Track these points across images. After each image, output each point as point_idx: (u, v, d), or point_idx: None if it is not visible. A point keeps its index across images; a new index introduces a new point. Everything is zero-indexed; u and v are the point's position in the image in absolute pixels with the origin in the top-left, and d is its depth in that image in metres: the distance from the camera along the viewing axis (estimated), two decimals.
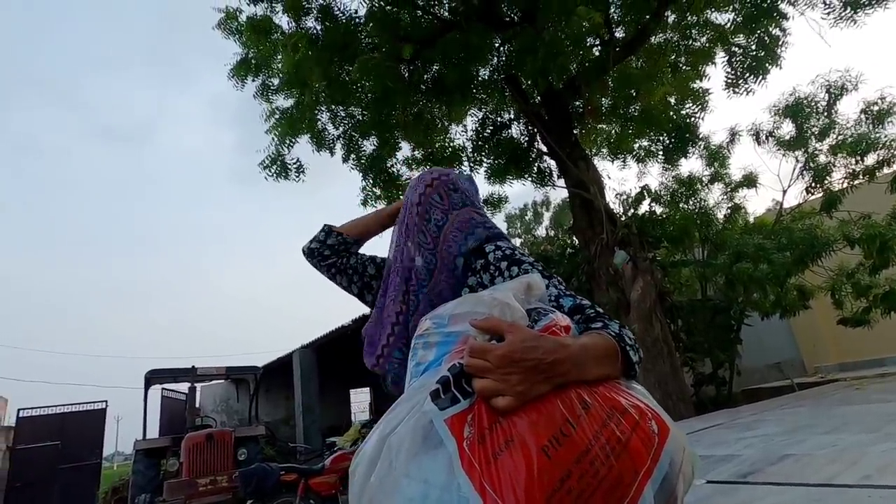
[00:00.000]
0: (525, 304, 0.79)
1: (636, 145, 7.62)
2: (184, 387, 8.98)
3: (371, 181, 6.97)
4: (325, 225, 1.23)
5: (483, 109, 7.40)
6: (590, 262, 5.96)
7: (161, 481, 6.73)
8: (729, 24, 6.01)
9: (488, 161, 7.41)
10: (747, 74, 5.75)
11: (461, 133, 7.45)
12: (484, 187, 8.17)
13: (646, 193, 6.84)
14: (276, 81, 6.72)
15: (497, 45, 6.70)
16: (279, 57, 6.36)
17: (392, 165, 7.13)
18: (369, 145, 7.02)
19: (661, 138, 7.10)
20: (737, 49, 6.02)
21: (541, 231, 27.34)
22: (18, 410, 13.11)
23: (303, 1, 5.97)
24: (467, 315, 0.74)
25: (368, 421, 9.30)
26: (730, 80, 5.86)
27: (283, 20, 6.35)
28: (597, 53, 6.28)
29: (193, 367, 8.27)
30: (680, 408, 5.01)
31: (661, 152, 7.26)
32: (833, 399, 4.02)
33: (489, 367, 0.64)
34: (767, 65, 5.72)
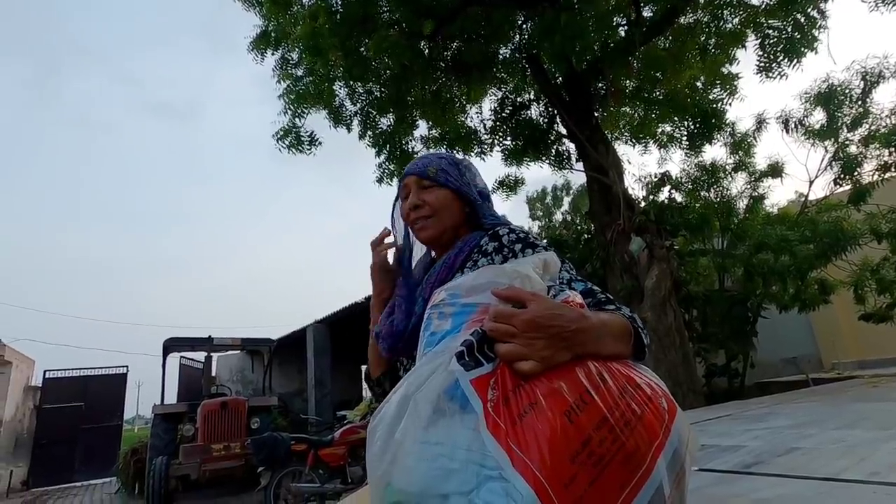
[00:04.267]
0: (543, 279, 0.80)
1: (659, 130, 7.43)
2: (201, 356, 9.22)
3: (385, 157, 6.94)
4: (366, 376, 1.18)
5: (503, 89, 7.27)
6: (605, 248, 5.88)
7: (177, 445, 6.97)
8: (763, 5, 5.76)
9: (506, 142, 7.31)
10: (781, 58, 5.52)
11: (477, 113, 7.34)
12: (500, 169, 8.09)
13: (666, 180, 6.68)
14: (294, 56, 6.68)
15: (520, 22, 6.54)
16: (298, 29, 6.31)
17: (407, 142, 7.08)
18: (386, 122, 6.97)
19: (686, 123, 6.90)
20: (770, 31, 5.77)
21: (560, 216, 27.05)
22: (45, 372, 13.65)
23: None
24: (488, 285, 0.74)
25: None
26: (762, 64, 5.63)
27: None
28: (622, 34, 6.09)
29: (210, 336, 8.47)
30: (690, 398, 4.97)
31: (684, 138, 7.06)
32: (848, 395, 3.95)
33: (514, 332, 0.65)
34: (803, 48, 5.47)
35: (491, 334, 0.66)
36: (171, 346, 8.38)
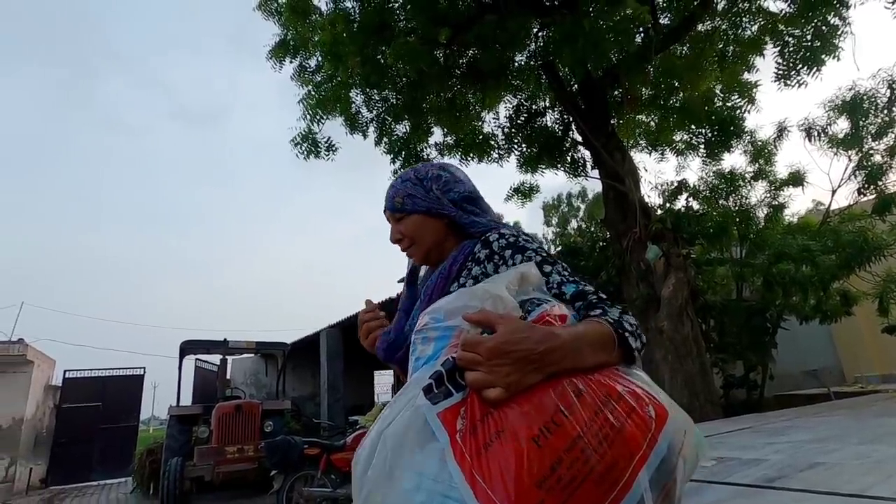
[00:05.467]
0: (519, 294, 0.82)
1: (676, 137, 7.36)
2: (216, 358, 9.32)
3: (400, 164, 6.98)
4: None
5: (518, 96, 7.28)
6: (621, 256, 5.83)
7: (192, 447, 7.04)
8: (783, 13, 5.69)
9: (520, 149, 7.31)
10: (800, 66, 5.44)
11: (493, 120, 7.36)
12: (516, 176, 8.09)
13: (683, 188, 6.61)
14: (312, 63, 6.78)
15: (535, 30, 6.55)
16: (316, 38, 6.40)
17: (422, 149, 7.12)
18: (401, 129, 7.03)
19: (704, 131, 6.83)
20: (790, 39, 5.70)
21: (576, 223, 26.93)
22: (64, 371, 13.92)
23: None
24: (462, 309, 0.75)
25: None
26: (781, 72, 5.56)
27: (321, 1, 6.39)
28: (639, 41, 6.07)
29: (225, 339, 8.57)
30: (707, 409, 4.88)
31: (702, 146, 6.99)
32: (872, 410, 3.84)
33: (479, 360, 0.65)
34: (823, 56, 5.40)
35: (459, 363, 0.67)
36: (187, 348, 8.49)
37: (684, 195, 6.61)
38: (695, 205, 6.73)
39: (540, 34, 6.63)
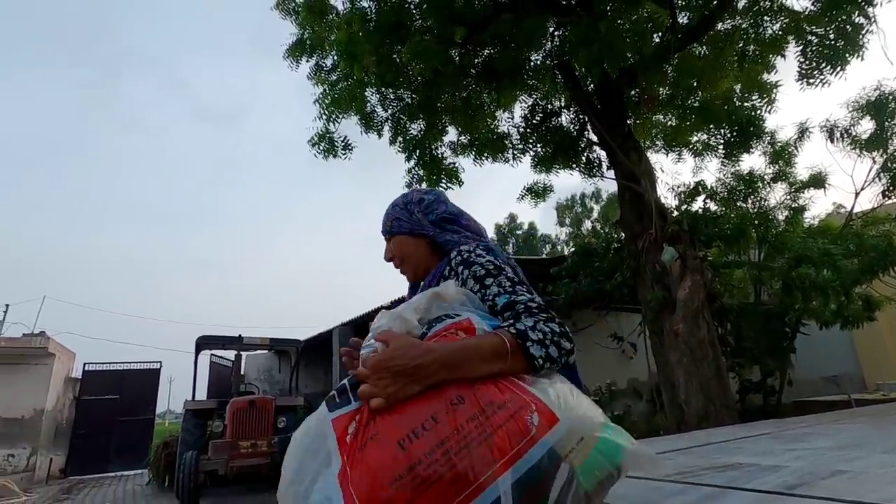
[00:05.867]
0: (435, 311, 0.94)
1: (694, 138, 7.26)
2: (231, 354, 9.43)
3: (414, 163, 7.00)
4: None
5: (533, 96, 7.24)
6: (636, 258, 5.77)
7: (207, 440, 7.13)
8: (806, 11, 5.58)
9: (535, 149, 7.27)
10: (823, 65, 5.33)
11: (508, 119, 7.33)
12: (529, 175, 8.05)
13: (701, 189, 6.51)
14: (328, 62, 6.83)
15: (551, 29, 6.51)
16: (333, 38, 6.44)
17: (436, 148, 7.12)
18: (416, 128, 7.04)
19: (722, 132, 6.72)
20: (813, 38, 5.58)
21: (589, 224, 26.73)
22: (84, 364, 14.21)
23: None
24: (379, 329, 0.88)
25: None
26: (803, 71, 5.45)
27: (338, 1, 6.43)
28: (657, 41, 6.00)
29: (240, 336, 8.67)
30: (723, 414, 4.80)
31: (720, 146, 6.88)
32: (894, 418, 3.75)
33: (367, 374, 0.78)
34: (847, 55, 5.28)
35: (356, 377, 0.79)
36: (203, 343, 8.60)
37: (702, 197, 6.51)
38: (712, 206, 6.63)
39: (556, 33, 6.59)
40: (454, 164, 7.14)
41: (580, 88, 6.41)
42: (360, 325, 11.17)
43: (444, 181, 7.03)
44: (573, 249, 7.63)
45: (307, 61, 6.78)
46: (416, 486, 0.67)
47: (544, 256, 14.21)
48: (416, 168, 6.97)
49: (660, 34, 5.97)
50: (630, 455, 0.78)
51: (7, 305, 18.99)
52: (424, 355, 0.80)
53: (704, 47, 6.44)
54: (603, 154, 7.02)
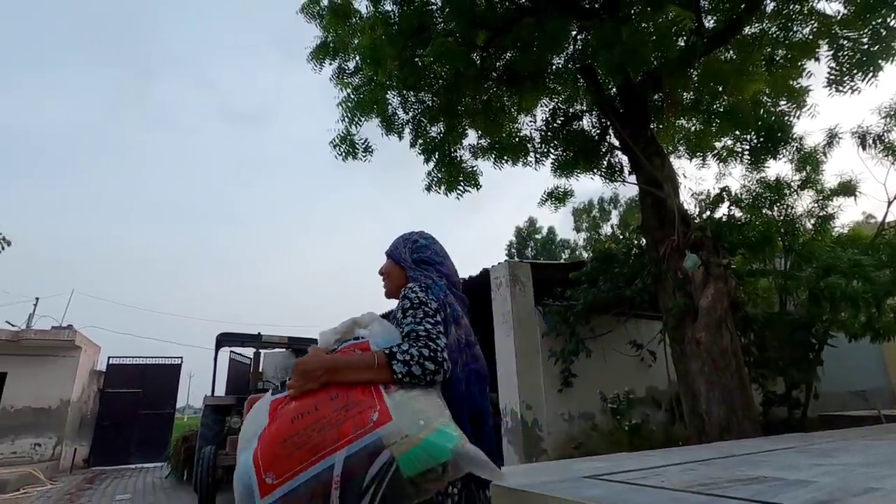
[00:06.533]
0: (352, 333, 1.36)
1: (718, 144, 7.13)
2: (250, 351, 9.57)
3: (434, 165, 7.02)
4: None
5: (555, 99, 7.20)
6: (657, 264, 5.68)
7: (225, 436, 7.25)
8: (838, 15, 5.43)
9: (556, 153, 7.22)
10: (855, 71, 5.18)
11: (530, 123, 7.31)
12: (550, 180, 8.00)
13: (725, 196, 6.39)
14: (351, 65, 6.91)
15: (574, 33, 6.48)
16: (356, 41, 6.51)
17: (456, 151, 7.14)
18: (436, 131, 7.07)
19: (748, 137, 6.59)
20: (845, 42, 5.43)
21: (608, 228, 26.44)
22: (108, 358, 14.58)
23: None
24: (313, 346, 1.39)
25: None
26: (833, 77, 5.31)
27: (361, 4, 6.50)
28: (681, 45, 5.91)
29: (259, 333, 8.80)
30: (746, 426, 4.69)
31: (746, 152, 6.74)
32: None
33: (293, 373, 1.20)
34: (881, 60, 5.12)
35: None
36: (223, 340, 8.76)
37: (726, 203, 6.38)
38: (737, 213, 6.50)
39: (578, 37, 6.55)
40: (473, 167, 7.14)
41: (602, 92, 6.36)
42: None
43: (462, 184, 7.04)
44: (592, 254, 7.56)
45: (330, 64, 6.87)
46: (292, 446, 1.06)
47: (563, 261, 14.09)
48: (436, 171, 6.99)
49: (684, 38, 5.89)
50: (459, 458, 1.04)
51: (37, 299, 19.59)
52: (318, 363, 1.20)
53: (731, 51, 6.33)
54: (625, 158, 6.95)
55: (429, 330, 1.26)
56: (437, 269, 1.58)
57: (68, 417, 12.64)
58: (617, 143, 6.75)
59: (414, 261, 1.59)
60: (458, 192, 6.93)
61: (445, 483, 1.09)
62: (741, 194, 6.79)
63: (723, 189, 6.46)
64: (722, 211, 6.51)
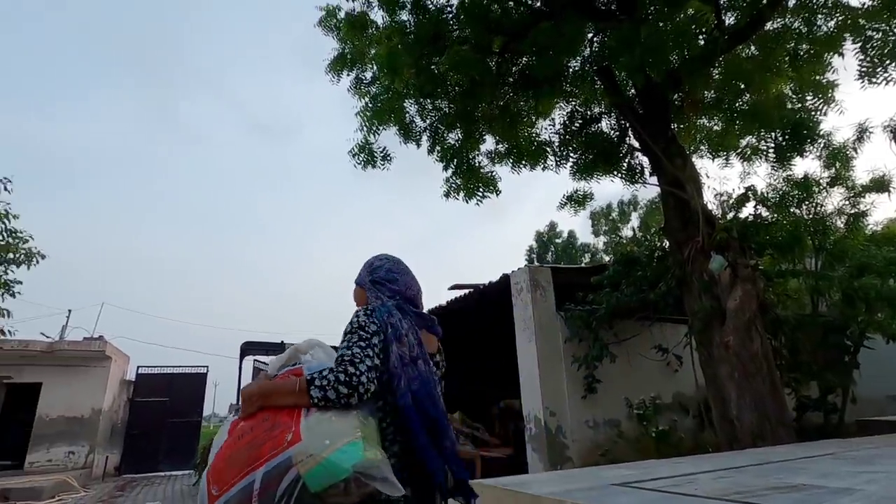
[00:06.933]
0: (292, 360, 1.50)
1: (742, 142, 6.98)
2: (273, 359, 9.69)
3: (452, 172, 7.03)
4: None
5: (572, 102, 7.16)
6: (681, 267, 5.57)
7: None
8: (864, 7, 5.28)
9: (575, 156, 7.17)
10: (887, 61, 5.01)
11: (548, 127, 7.27)
12: (569, 184, 7.94)
13: (751, 195, 6.23)
14: (368, 75, 6.99)
15: (590, 35, 6.44)
16: (373, 51, 6.59)
17: (474, 157, 7.14)
18: (453, 137, 7.08)
19: (774, 135, 6.43)
20: (873, 34, 5.27)
21: (627, 231, 26.06)
22: (137, 367, 14.92)
23: None
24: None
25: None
26: (865, 69, 5.15)
27: (377, 15, 6.59)
28: (701, 42, 5.82)
29: (283, 342, 8.91)
30: (780, 433, 4.54)
31: (771, 150, 6.58)
32: None
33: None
34: None
35: None
36: (247, 348, 8.89)
37: (751, 202, 6.23)
38: (763, 212, 6.33)
39: (595, 39, 6.51)
40: (491, 172, 7.13)
41: (620, 94, 6.30)
42: None
43: (481, 190, 7.03)
44: (614, 258, 7.45)
45: (348, 75, 6.97)
46: (231, 462, 1.22)
47: (584, 265, 13.91)
48: (454, 177, 7.00)
49: (704, 36, 5.79)
50: (361, 475, 1.16)
51: (70, 311, 20.19)
52: (256, 390, 1.36)
53: (753, 48, 6.20)
54: (645, 160, 6.85)
55: (353, 354, 1.37)
56: (389, 287, 1.69)
57: (100, 426, 12.97)
58: (637, 144, 6.67)
59: (371, 282, 1.72)
60: (478, 198, 6.93)
61: (354, 498, 1.17)
62: (767, 193, 6.63)
63: (748, 188, 6.31)
64: (748, 211, 6.36)
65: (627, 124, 6.74)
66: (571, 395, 6.23)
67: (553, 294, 6.66)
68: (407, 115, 6.80)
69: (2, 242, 8.37)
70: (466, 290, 8.05)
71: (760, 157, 6.85)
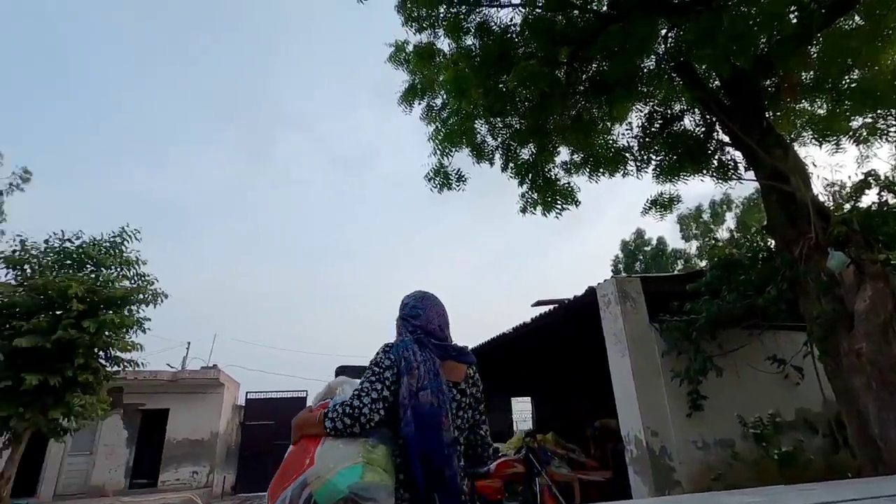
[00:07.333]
0: (328, 396, 1.79)
1: (854, 123, 6.21)
2: None
3: (527, 187, 6.97)
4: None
5: (649, 103, 6.84)
6: (792, 267, 5.01)
7: None
8: None
9: (658, 158, 6.80)
10: None
11: (626, 132, 6.98)
12: (652, 188, 7.53)
13: (872, 181, 5.49)
14: (438, 102, 7.20)
15: (664, 31, 6.15)
16: (441, 78, 6.80)
17: (549, 170, 7.02)
18: (527, 153, 7.04)
19: (894, 112, 5.66)
20: None
21: (723, 233, 24.11)
22: (246, 393, 16.18)
23: (461, 21, 6.29)
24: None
25: (531, 431, 9.20)
26: None
27: (444, 44, 6.81)
28: (794, 20, 5.32)
29: None
30: None
31: (892, 129, 5.79)
32: None
33: None
34: None
35: None
36: (341, 372, 9.30)
37: (874, 189, 5.48)
38: (890, 199, 5.55)
39: (669, 35, 6.20)
40: (568, 183, 6.96)
41: (703, 87, 5.91)
42: (481, 353, 11.19)
43: (559, 202, 6.88)
44: (710, 263, 6.89)
45: (419, 104, 7.23)
46: (278, 479, 1.55)
47: (676, 272, 13.02)
48: (530, 192, 6.93)
49: (796, 13, 5.29)
50: (356, 495, 1.39)
51: (189, 343, 22.46)
52: (296, 421, 1.70)
53: (857, 18, 5.56)
54: (738, 154, 6.33)
55: (361, 389, 1.62)
56: (412, 323, 1.88)
57: (217, 448, 14.17)
58: (727, 138, 6.19)
59: (400, 318, 1.95)
60: (556, 210, 6.78)
61: None
62: (893, 177, 5.80)
63: (867, 174, 5.57)
64: (870, 199, 5.61)
65: (714, 119, 6.30)
66: (674, 413, 5.80)
67: (644, 305, 6.30)
68: (478, 135, 6.88)
69: (134, 286, 9.59)
70: (550, 306, 7.86)
71: (880, 138, 6.05)
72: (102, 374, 9.00)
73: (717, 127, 6.41)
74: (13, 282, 8.78)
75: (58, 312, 8.44)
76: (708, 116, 6.50)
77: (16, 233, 9.10)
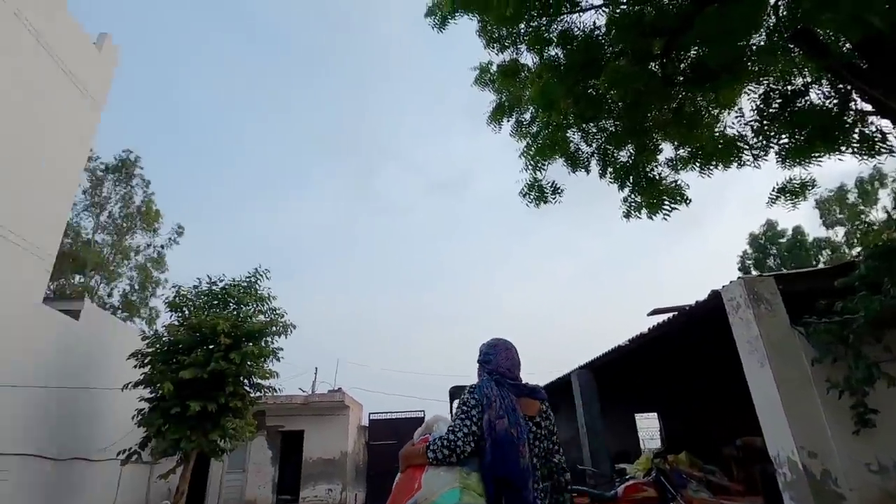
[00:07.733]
0: (426, 431, 2.26)
1: None
2: None
3: (629, 190, 6.59)
4: None
5: (763, 82, 6.14)
6: None
7: None
8: None
9: (780, 142, 6.06)
10: None
11: (736, 119, 6.33)
12: (778, 173, 6.69)
13: None
14: (527, 116, 7.17)
15: (773, 1, 5.53)
16: (527, 93, 6.78)
17: (652, 169, 6.59)
18: (625, 155, 6.69)
19: None
20: None
21: (877, 214, 20.75)
22: (369, 414, 17.11)
23: (543, 33, 6.25)
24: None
25: (660, 450, 8.53)
26: None
27: (527, 59, 6.80)
28: None
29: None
30: None
31: None
32: None
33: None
34: None
35: None
36: (455, 392, 9.46)
37: None
38: None
39: (780, 4, 5.57)
40: (675, 181, 6.47)
41: (829, 55, 5.18)
42: (599, 368, 10.67)
43: (666, 203, 6.40)
44: (863, 251, 5.93)
45: (507, 121, 7.26)
46: (394, 500, 1.96)
47: (821, 266, 11.34)
48: (632, 195, 6.55)
49: None
50: None
51: (316, 368, 24.37)
52: (404, 453, 2.09)
53: None
54: (885, 123, 5.42)
55: (455, 425, 1.98)
56: (486, 367, 2.24)
57: (347, 467, 15.11)
58: (868, 107, 5.34)
59: (478, 362, 2.30)
60: (665, 212, 6.32)
61: None
62: None
63: None
64: None
65: (849, 87, 5.47)
66: (836, 431, 5.02)
67: (783, 306, 5.59)
68: (571, 143, 6.71)
69: (268, 319, 10.75)
70: (669, 314, 7.30)
71: None
72: (248, 400, 10.16)
73: (855, 95, 5.56)
74: (176, 322, 10.35)
75: (210, 347, 9.74)
76: (840, 86, 5.67)
77: (172, 283, 10.81)
